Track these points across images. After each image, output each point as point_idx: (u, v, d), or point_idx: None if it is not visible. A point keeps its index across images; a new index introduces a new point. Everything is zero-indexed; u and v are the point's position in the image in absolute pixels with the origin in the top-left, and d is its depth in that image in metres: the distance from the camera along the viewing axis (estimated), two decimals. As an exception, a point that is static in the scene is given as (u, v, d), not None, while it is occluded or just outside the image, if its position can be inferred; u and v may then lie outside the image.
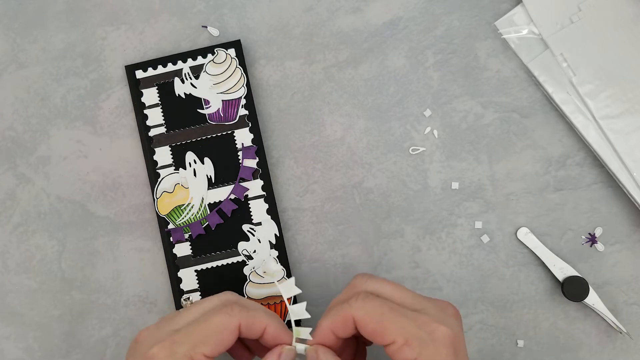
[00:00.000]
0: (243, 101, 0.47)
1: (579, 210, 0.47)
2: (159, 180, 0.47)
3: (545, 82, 0.47)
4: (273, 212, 0.47)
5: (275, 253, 0.47)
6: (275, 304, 0.46)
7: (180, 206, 0.47)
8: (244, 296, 0.46)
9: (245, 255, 0.47)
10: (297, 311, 0.39)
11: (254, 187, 0.47)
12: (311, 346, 0.36)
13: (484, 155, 0.48)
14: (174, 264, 0.47)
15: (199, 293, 0.47)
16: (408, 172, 0.48)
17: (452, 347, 0.33)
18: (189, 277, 0.47)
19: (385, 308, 0.34)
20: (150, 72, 0.48)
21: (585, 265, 0.47)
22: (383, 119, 0.48)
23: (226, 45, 0.48)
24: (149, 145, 0.48)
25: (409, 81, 0.48)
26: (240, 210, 0.47)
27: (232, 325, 0.35)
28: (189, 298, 0.45)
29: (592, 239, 0.47)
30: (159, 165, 0.47)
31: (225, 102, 0.47)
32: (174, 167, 0.47)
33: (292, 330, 0.38)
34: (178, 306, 0.47)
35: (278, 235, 0.47)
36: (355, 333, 0.36)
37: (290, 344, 0.37)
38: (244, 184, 0.47)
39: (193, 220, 0.47)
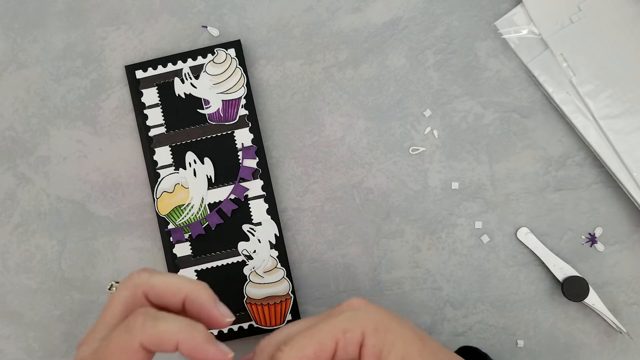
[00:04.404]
0: (243, 101, 0.47)
1: (579, 210, 0.47)
2: (159, 180, 0.47)
3: (545, 82, 0.47)
4: (273, 212, 0.47)
5: (275, 253, 0.47)
6: (275, 304, 0.46)
7: (180, 206, 0.47)
8: (244, 296, 0.46)
9: (245, 255, 0.47)
10: None
11: (254, 187, 0.47)
12: None
13: (484, 155, 0.48)
14: (174, 264, 0.47)
15: (199, 293, 0.47)
16: (408, 172, 0.48)
17: (370, 303, 0.32)
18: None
19: (307, 332, 0.31)
20: (150, 72, 0.48)
21: (585, 265, 0.47)
22: (383, 119, 0.48)
23: (226, 45, 0.48)
24: (149, 145, 0.48)
25: (409, 81, 0.48)
26: (240, 210, 0.47)
27: (132, 347, 0.29)
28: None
29: (592, 239, 0.47)
30: (159, 165, 0.47)
31: (225, 102, 0.47)
32: (174, 167, 0.47)
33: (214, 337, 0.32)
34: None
35: (278, 235, 0.47)
36: None
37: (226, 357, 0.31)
38: (244, 184, 0.47)
39: (193, 220, 0.47)
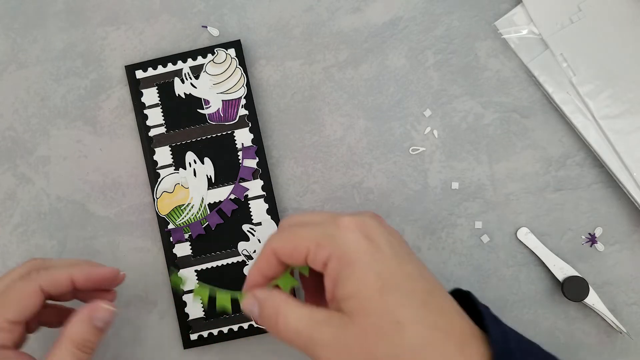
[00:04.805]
0: (243, 101, 0.47)
1: (579, 210, 0.47)
2: (159, 180, 0.47)
3: (545, 82, 0.47)
4: (273, 212, 0.47)
5: (275, 253, 0.47)
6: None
7: (180, 206, 0.47)
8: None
9: (245, 255, 0.47)
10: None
11: (254, 187, 0.47)
12: (246, 294, 0.36)
13: (484, 155, 0.48)
14: (174, 264, 0.47)
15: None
16: (408, 172, 0.48)
17: (358, 231, 0.33)
18: (189, 277, 0.47)
19: (295, 228, 0.35)
20: (150, 72, 0.48)
21: (585, 265, 0.47)
22: (383, 119, 0.48)
23: (226, 45, 0.48)
24: (149, 145, 0.48)
25: (409, 81, 0.48)
26: (240, 210, 0.47)
27: (32, 289, 0.37)
28: None
29: (592, 239, 0.47)
30: (159, 165, 0.47)
31: (225, 102, 0.47)
32: (174, 167, 0.47)
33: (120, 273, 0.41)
34: (178, 306, 0.47)
35: (278, 235, 0.47)
36: (285, 266, 0.36)
37: (114, 281, 0.41)
38: (244, 184, 0.47)
39: (193, 220, 0.47)
